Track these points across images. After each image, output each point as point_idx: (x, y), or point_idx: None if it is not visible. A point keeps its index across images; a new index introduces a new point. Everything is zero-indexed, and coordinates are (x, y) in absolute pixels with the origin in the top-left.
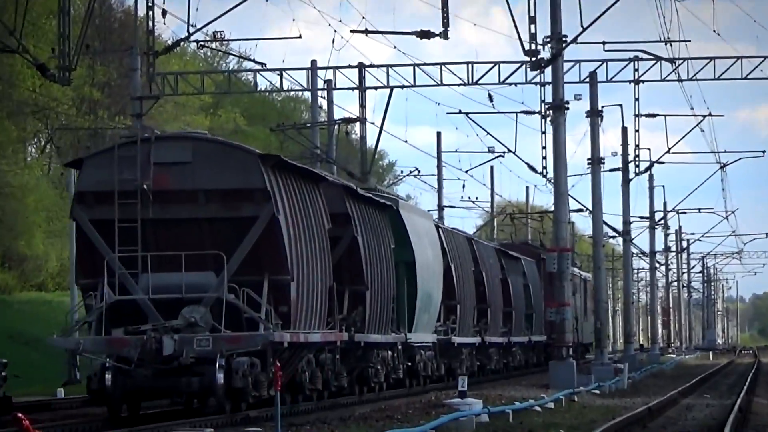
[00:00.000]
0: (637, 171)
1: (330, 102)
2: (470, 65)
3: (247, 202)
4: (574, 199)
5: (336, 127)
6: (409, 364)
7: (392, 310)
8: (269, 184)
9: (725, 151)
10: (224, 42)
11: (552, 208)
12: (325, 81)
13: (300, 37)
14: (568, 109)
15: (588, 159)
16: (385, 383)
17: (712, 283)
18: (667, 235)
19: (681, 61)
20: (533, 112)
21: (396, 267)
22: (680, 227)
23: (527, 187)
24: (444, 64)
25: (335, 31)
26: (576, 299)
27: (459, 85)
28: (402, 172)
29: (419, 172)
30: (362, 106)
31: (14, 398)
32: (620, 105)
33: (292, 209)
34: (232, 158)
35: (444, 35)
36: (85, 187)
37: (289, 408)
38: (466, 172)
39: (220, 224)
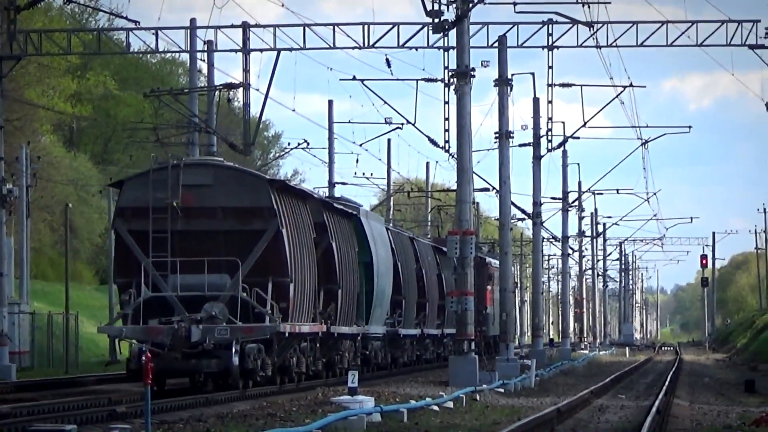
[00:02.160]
0: (550, 147)
1: (210, 65)
2: (366, 26)
3: (257, 218)
4: (480, 177)
5: (216, 93)
6: (366, 352)
7: (355, 305)
8: (275, 204)
9: (647, 126)
10: None
11: (455, 187)
12: (205, 42)
13: None
14: (474, 76)
15: (495, 132)
16: (346, 369)
17: (631, 272)
18: (581, 219)
19: (600, 25)
20: (435, 80)
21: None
22: (596, 210)
23: (427, 163)
24: (337, 24)
25: None
26: (495, 291)
27: (354, 48)
28: (289, 144)
29: (308, 144)
30: (246, 70)
31: None
32: (532, 73)
33: (291, 223)
34: (245, 182)
35: None
36: (125, 204)
37: (156, 404)
38: (361, 145)
39: (234, 236)
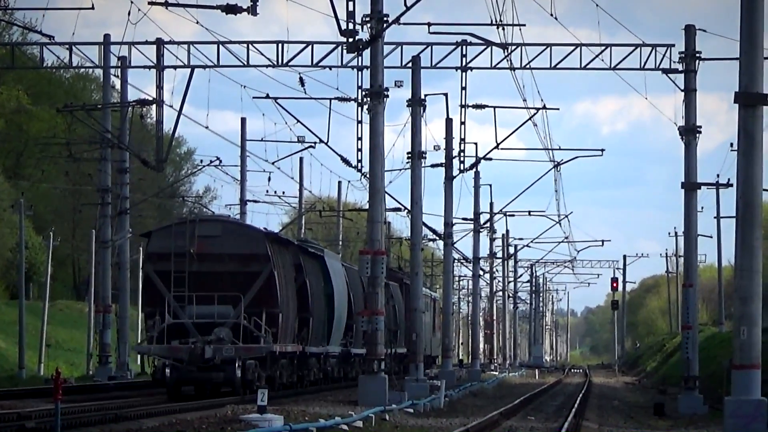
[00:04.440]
0: (462, 167)
1: (124, 81)
2: (280, 45)
3: (255, 262)
4: (392, 197)
5: (130, 109)
6: (328, 368)
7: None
8: (269, 251)
9: (560, 149)
10: (7, 11)
11: (366, 206)
12: (119, 58)
13: (93, 7)
14: (387, 96)
15: (408, 153)
16: (313, 381)
17: (541, 294)
18: (493, 240)
19: (514, 47)
20: (349, 99)
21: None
22: (507, 231)
23: (339, 182)
24: (251, 42)
25: (132, 2)
26: (425, 317)
27: (267, 66)
28: (201, 161)
29: (221, 161)
30: (159, 86)
31: None
32: (445, 94)
33: (279, 266)
34: (246, 234)
35: (252, 10)
36: (153, 250)
37: (66, 420)
38: (273, 163)
39: (237, 276)
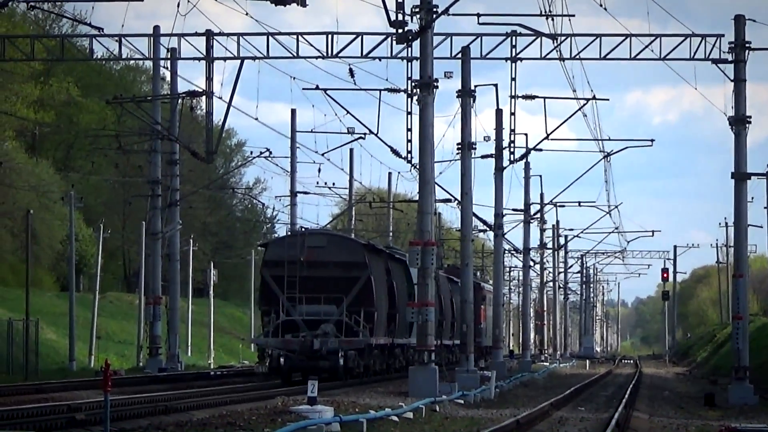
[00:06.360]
0: (512, 158)
1: (174, 73)
2: (330, 36)
3: (355, 268)
4: (442, 188)
5: (180, 101)
6: (410, 357)
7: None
8: (366, 259)
9: (610, 139)
10: (57, 3)
11: (417, 197)
12: (169, 49)
13: None
14: (437, 87)
15: (458, 144)
16: (397, 369)
17: (592, 285)
18: (543, 231)
19: (563, 38)
20: (398, 90)
21: None
22: (558, 222)
23: (390, 174)
24: (301, 34)
25: None
26: (488, 309)
27: (317, 57)
28: (252, 153)
29: (271, 153)
30: (209, 78)
31: None
32: (495, 85)
33: (375, 271)
34: (347, 245)
35: (302, 2)
36: (269, 258)
37: (116, 412)
38: (323, 154)
39: (340, 280)
